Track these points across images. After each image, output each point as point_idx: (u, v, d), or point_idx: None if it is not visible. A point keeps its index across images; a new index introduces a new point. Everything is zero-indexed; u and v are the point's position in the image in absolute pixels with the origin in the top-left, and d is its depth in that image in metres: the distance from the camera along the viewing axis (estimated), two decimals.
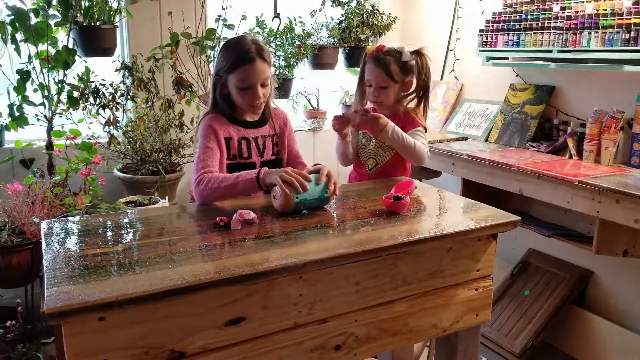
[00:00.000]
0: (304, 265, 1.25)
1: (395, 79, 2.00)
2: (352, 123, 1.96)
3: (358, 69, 2.17)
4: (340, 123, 1.98)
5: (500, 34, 2.81)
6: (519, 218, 1.59)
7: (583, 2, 2.44)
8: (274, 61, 3.10)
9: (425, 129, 2.10)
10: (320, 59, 3.46)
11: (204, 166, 1.69)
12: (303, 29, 3.39)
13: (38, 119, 2.74)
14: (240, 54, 1.72)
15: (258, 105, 1.80)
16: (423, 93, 2.08)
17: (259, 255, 1.27)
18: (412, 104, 2.12)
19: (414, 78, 2.05)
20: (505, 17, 2.80)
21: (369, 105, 2.13)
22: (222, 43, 2.99)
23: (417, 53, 2.05)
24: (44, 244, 1.34)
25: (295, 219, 1.54)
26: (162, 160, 2.91)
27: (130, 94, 2.90)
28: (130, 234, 1.44)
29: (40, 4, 2.63)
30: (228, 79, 1.76)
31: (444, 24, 3.49)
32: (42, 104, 2.72)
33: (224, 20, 3.05)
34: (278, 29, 3.35)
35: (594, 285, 2.69)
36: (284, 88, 3.30)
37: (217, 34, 3.05)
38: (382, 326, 1.47)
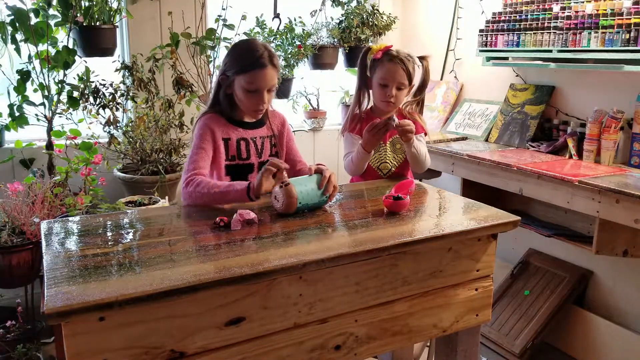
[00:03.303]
0: (304, 265, 1.25)
1: (411, 81, 2.01)
2: (391, 131, 1.95)
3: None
4: (380, 133, 1.94)
5: (500, 34, 2.81)
6: (519, 218, 1.59)
7: (583, 2, 2.44)
8: None
9: (426, 134, 2.13)
10: (320, 59, 3.46)
11: (195, 167, 1.69)
12: (303, 29, 3.39)
13: (38, 119, 2.74)
14: (254, 58, 1.72)
15: (261, 110, 1.81)
16: (423, 95, 2.10)
17: (259, 255, 1.27)
18: (409, 107, 2.13)
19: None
20: (505, 17, 2.80)
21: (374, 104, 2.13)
22: (222, 43, 3.04)
23: (423, 59, 2.08)
24: (44, 244, 1.34)
25: (295, 219, 1.55)
26: (162, 160, 2.91)
27: (130, 94, 2.90)
28: (130, 234, 1.44)
29: (40, 4, 2.63)
30: (235, 80, 1.76)
31: (444, 24, 3.49)
32: (42, 104, 2.72)
33: (224, 20, 3.05)
34: (278, 29, 3.35)
35: (594, 285, 2.69)
36: (284, 88, 3.29)
37: (217, 34, 3.05)
38: (382, 326, 1.47)
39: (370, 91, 2.10)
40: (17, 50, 2.66)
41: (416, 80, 2.07)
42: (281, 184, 1.54)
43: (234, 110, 1.84)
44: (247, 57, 1.73)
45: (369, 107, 2.14)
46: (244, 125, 1.85)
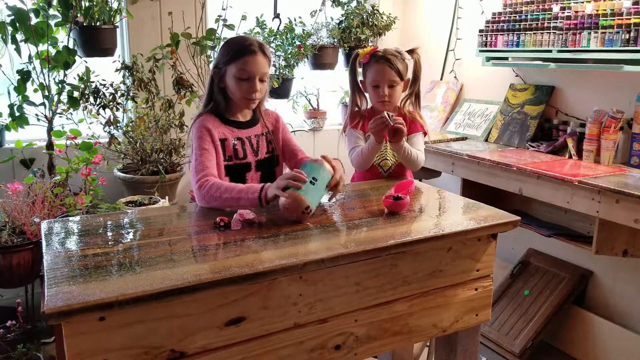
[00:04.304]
0: (304, 265, 1.25)
1: (402, 77, 2.02)
2: (390, 127, 1.91)
3: None
4: (381, 126, 1.91)
5: (500, 34, 2.81)
6: (519, 218, 1.59)
7: (583, 2, 2.44)
8: (274, 61, 3.10)
9: (425, 134, 2.12)
10: (320, 59, 3.46)
11: (204, 168, 1.69)
12: (303, 29, 3.39)
13: (38, 119, 2.74)
14: (244, 46, 1.76)
15: (254, 99, 1.80)
16: (417, 88, 2.10)
17: (259, 255, 1.27)
18: (409, 104, 2.13)
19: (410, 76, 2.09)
20: (505, 17, 2.80)
21: (371, 105, 2.14)
22: (222, 43, 3.04)
23: (412, 52, 2.09)
24: (44, 244, 1.34)
25: None
26: (162, 160, 2.91)
27: (131, 94, 2.90)
28: (131, 234, 1.44)
29: (41, 4, 2.63)
30: (227, 70, 1.78)
31: (444, 24, 3.49)
32: (43, 104, 2.72)
33: (224, 20, 3.05)
34: (278, 29, 3.35)
35: (594, 285, 2.69)
36: (284, 88, 3.29)
37: (217, 34, 3.05)
38: (382, 326, 1.47)
39: (367, 94, 2.12)
40: (17, 50, 2.66)
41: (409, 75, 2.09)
42: (304, 210, 1.49)
43: (228, 106, 1.84)
44: (237, 46, 1.77)
45: (369, 107, 2.16)
46: (239, 125, 1.86)
